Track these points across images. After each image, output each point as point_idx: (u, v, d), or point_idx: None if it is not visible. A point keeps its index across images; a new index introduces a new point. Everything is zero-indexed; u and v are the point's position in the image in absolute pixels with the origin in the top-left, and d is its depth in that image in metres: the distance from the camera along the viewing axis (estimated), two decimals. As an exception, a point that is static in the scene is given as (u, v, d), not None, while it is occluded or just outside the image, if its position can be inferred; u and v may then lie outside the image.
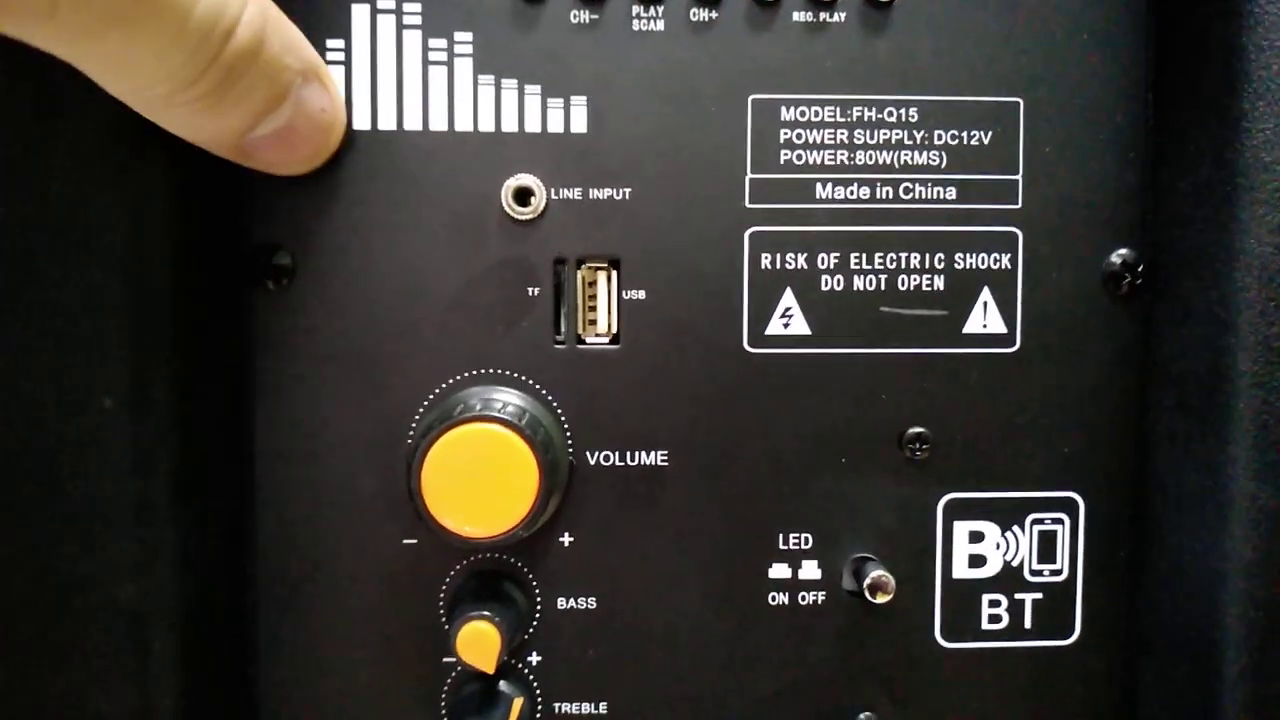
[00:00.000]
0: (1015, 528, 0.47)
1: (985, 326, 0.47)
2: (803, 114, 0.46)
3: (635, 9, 0.47)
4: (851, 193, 0.46)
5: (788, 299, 0.47)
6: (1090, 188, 0.46)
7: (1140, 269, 0.46)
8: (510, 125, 0.45)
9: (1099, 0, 0.45)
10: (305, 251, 0.44)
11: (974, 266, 0.46)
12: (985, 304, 0.47)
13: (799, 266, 0.46)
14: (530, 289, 0.45)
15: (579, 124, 0.45)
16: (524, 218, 0.45)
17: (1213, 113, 0.42)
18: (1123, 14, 0.46)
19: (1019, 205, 0.46)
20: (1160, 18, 0.45)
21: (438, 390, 0.44)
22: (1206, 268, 0.43)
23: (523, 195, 0.45)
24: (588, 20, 0.47)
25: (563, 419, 0.45)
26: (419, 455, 0.40)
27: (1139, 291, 0.46)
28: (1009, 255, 0.46)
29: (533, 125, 0.45)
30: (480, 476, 0.41)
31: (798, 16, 0.47)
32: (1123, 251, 0.47)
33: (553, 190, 0.45)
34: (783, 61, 0.45)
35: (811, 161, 0.46)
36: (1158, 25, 0.45)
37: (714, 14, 0.47)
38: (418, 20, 0.46)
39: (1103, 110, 0.46)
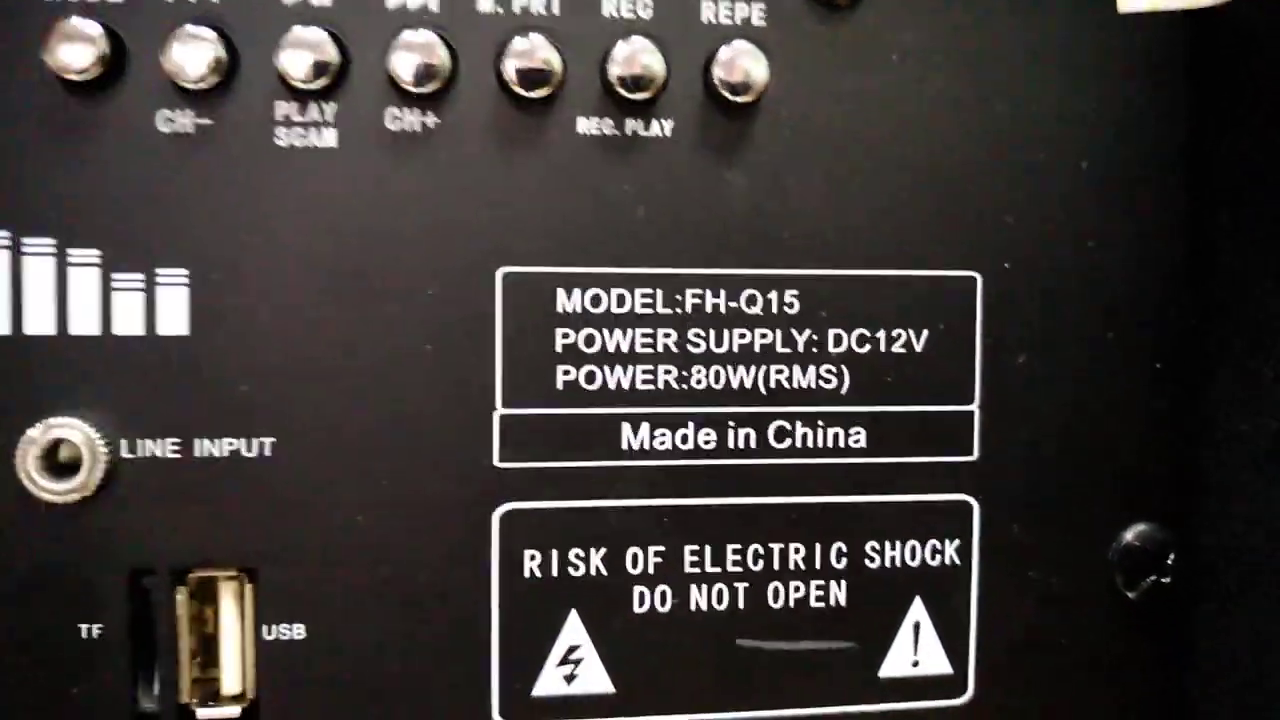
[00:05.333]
0: None
1: (917, 665, 0.30)
2: (597, 301, 0.29)
3: (280, 108, 0.27)
4: (684, 440, 0.29)
5: (572, 632, 0.29)
6: (1088, 423, 0.30)
7: (1170, 557, 0.31)
8: (40, 324, 0.27)
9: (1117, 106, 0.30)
10: None
11: (897, 563, 0.30)
12: (917, 626, 0.30)
13: (591, 573, 0.29)
14: (84, 629, 0.27)
15: (173, 321, 0.27)
16: (64, 498, 0.27)
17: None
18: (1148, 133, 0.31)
19: (973, 457, 0.30)
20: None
21: None
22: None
23: (60, 459, 0.27)
24: (191, 128, 0.27)
25: None
26: None
27: (1166, 593, 0.31)
28: (956, 542, 0.30)
29: (84, 324, 0.27)
30: None
31: (590, 126, 0.28)
32: (1141, 528, 0.31)
33: (123, 445, 0.27)
34: (561, 209, 0.28)
35: (613, 385, 0.29)
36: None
37: (432, 118, 0.28)
38: None
39: (1111, 290, 0.30)
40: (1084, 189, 0.30)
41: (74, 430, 0.27)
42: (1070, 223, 0.30)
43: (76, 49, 0.26)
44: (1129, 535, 0.30)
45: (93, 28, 0.26)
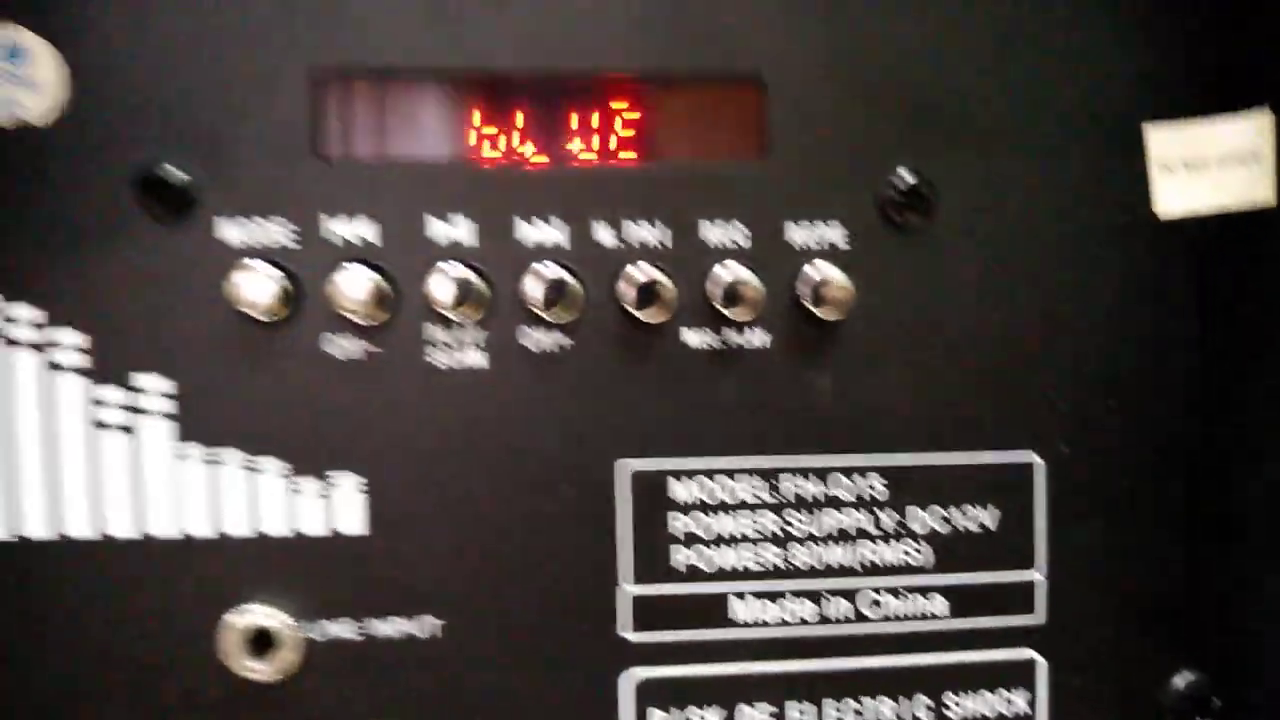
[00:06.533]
0: None
1: (995, 804, 0.33)
2: (706, 490, 0.32)
3: (428, 329, 0.31)
4: (787, 610, 0.32)
5: (693, 784, 0.32)
6: (1140, 583, 0.34)
7: (1212, 701, 0.34)
8: (236, 525, 0.31)
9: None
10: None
11: (974, 714, 0.33)
12: (994, 771, 0.33)
13: (709, 731, 0.32)
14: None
15: (349, 519, 0.31)
16: (261, 676, 0.31)
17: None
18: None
19: (1038, 618, 0.33)
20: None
21: None
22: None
23: (259, 641, 0.31)
24: (357, 354, 0.31)
25: None
26: None
27: (1213, 732, 0.34)
28: (1025, 694, 0.33)
29: (273, 524, 0.31)
30: None
31: (692, 338, 0.32)
32: (1189, 675, 0.34)
33: (308, 629, 0.31)
34: (674, 409, 0.32)
35: (723, 565, 0.32)
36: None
37: (563, 340, 0.31)
38: (81, 360, 0.30)
39: (1156, 465, 0.33)
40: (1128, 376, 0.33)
41: (271, 615, 0.30)
42: (1117, 409, 0.33)
43: (258, 285, 0.29)
44: (1178, 681, 0.33)
45: (271, 271, 0.30)
